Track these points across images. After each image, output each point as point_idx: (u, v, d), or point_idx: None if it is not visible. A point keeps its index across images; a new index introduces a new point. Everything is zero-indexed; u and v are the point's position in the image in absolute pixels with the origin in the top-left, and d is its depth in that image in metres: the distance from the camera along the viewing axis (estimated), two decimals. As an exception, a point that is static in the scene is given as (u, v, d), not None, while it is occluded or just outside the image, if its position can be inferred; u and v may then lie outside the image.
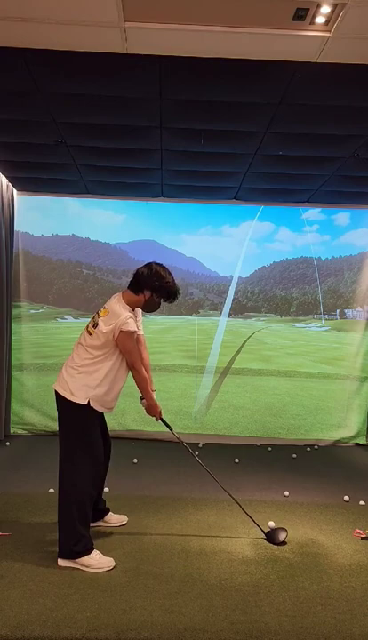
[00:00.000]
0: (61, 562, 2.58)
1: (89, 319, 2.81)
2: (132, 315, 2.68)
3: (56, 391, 2.71)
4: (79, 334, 2.81)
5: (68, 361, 2.76)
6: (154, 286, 2.73)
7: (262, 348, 5.66)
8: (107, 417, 2.89)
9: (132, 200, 5.34)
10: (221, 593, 2.38)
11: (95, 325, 2.69)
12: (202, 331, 5.65)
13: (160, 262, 2.83)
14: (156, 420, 2.97)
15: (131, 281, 2.80)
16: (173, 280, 2.79)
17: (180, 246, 5.52)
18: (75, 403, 2.63)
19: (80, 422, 2.67)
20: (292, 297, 5.70)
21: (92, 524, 2.80)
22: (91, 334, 2.70)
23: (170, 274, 2.79)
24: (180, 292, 2.84)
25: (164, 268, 2.80)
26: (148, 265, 2.79)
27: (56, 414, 2.74)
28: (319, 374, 5.55)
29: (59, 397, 2.70)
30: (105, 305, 2.76)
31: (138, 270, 2.80)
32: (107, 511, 3.10)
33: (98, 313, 2.74)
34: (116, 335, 2.62)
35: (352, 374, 5.46)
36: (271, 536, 2.96)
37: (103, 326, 2.63)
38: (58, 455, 2.69)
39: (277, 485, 3.95)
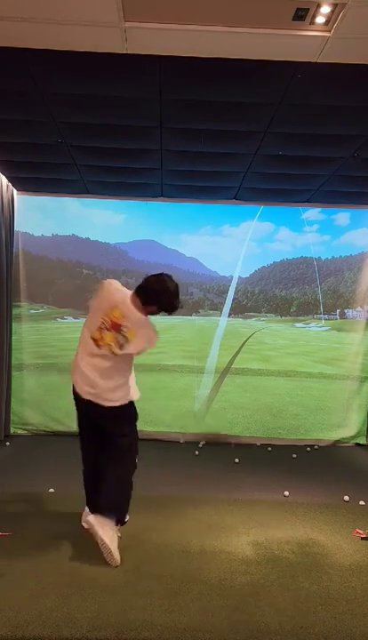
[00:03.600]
0: (105, 527, 2.60)
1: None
2: (155, 330, 2.74)
3: (109, 406, 2.74)
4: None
5: (102, 384, 2.72)
6: (162, 305, 2.72)
7: (262, 348, 5.66)
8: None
9: (132, 200, 5.34)
10: (221, 593, 2.38)
11: (121, 346, 2.66)
12: (202, 331, 5.65)
13: (169, 274, 2.76)
14: None
15: (140, 288, 2.71)
16: (179, 298, 2.78)
17: (180, 246, 5.52)
18: (130, 402, 2.82)
19: (136, 415, 2.92)
20: (292, 297, 5.69)
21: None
22: (115, 353, 2.68)
23: (178, 293, 2.76)
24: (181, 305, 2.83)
25: (176, 286, 2.74)
26: (162, 281, 2.71)
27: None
28: (319, 374, 5.55)
29: (111, 408, 2.75)
30: (126, 323, 2.66)
31: (152, 285, 2.71)
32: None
33: (120, 330, 2.66)
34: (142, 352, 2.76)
35: (352, 374, 5.45)
36: None
37: (133, 350, 2.70)
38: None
39: (277, 485, 3.94)
